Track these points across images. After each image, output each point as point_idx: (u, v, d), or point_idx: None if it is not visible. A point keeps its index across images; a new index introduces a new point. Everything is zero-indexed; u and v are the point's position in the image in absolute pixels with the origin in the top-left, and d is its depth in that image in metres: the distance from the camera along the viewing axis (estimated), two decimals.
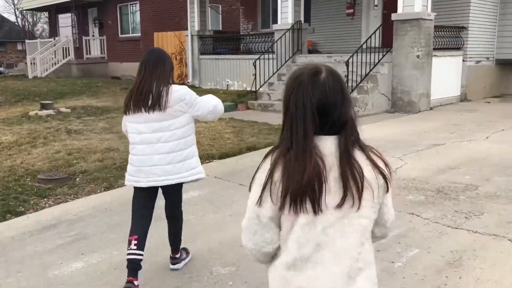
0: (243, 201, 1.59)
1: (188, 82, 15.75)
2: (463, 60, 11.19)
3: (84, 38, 21.42)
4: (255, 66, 11.17)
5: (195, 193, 4.70)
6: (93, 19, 22.54)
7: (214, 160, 6.21)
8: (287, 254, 1.44)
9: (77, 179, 5.44)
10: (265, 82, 11.62)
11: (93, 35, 22.46)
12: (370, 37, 10.06)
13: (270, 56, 11.89)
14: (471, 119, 8.56)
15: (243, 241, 1.53)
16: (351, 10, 13.28)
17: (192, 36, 15.19)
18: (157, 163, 2.91)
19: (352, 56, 9.48)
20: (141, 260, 2.90)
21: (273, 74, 11.75)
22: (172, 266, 3.22)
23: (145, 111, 2.86)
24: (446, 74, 10.70)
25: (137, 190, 3.04)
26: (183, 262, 3.26)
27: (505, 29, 11.90)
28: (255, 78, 11.18)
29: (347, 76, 9.34)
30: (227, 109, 11.09)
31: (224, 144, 7.02)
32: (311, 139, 1.38)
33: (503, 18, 11.85)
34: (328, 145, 1.40)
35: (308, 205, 1.36)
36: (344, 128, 1.40)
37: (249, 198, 1.49)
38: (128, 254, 2.90)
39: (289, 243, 1.43)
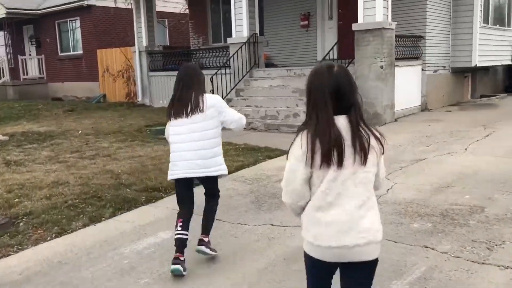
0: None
1: (138, 101, 14.86)
2: (422, 70, 11.11)
3: (20, 57, 19.96)
4: (212, 82, 10.53)
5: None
6: (29, 37, 21.10)
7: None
8: (315, 201, 1.97)
9: (21, 223, 4.56)
10: (223, 99, 10.97)
11: (30, 54, 21.00)
12: (332, 48, 9.73)
13: (226, 71, 11.31)
14: (441, 130, 8.34)
15: (283, 199, 2.05)
16: (306, 22, 12.98)
17: (140, 52, 14.35)
18: (190, 158, 3.45)
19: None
20: (186, 239, 3.42)
21: (231, 89, 11.16)
22: (198, 247, 3.51)
23: (185, 117, 3.44)
24: (407, 84, 10.54)
25: (176, 181, 3.58)
26: (209, 250, 3.52)
27: (457, 37, 11.99)
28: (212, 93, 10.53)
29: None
30: None
31: None
32: (331, 116, 1.89)
33: (455, 27, 11.94)
34: (341, 122, 1.92)
35: (335, 159, 1.88)
36: (351, 109, 1.92)
37: (287, 165, 1.98)
38: (176, 234, 3.42)
39: (318, 193, 1.95)
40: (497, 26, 13.05)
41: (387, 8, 9.46)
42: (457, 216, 4.04)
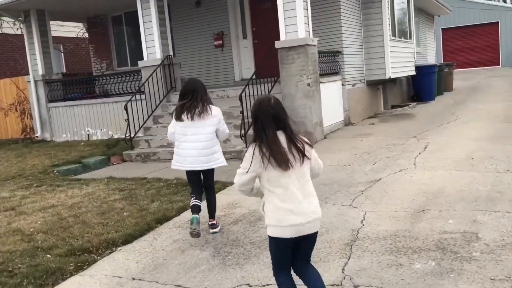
0: None
1: (37, 137, 13.14)
2: (343, 84, 11.05)
3: None
4: (126, 110, 9.46)
5: None
6: None
7: (119, 248, 4.48)
8: (274, 195, 2.67)
9: None
10: (140, 127, 9.96)
11: None
12: (263, 67, 9.20)
13: (141, 96, 10.31)
14: (375, 145, 8.16)
15: (235, 182, 2.82)
16: (220, 42, 12.40)
17: (36, 81, 12.74)
18: (195, 155, 4.47)
19: (244, 90, 8.46)
20: (199, 205, 4.49)
21: (148, 117, 10.15)
22: (212, 230, 4.62)
23: (192, 120, 4.43)
24: (331, 100, 10.37)
25: (187, 171, 4.62)
26: (219, 227, 4.68)
27: (370, 51, 12.18)
28: (128, 124, 9.46)
29: (242, 112, 8.28)
30: (98, 165, 9.19)
31: (121, 219, 5.28)
32: (275, 133, 2.66)
33: (367, 41, 12.13)
34: (281, 136, 2.67)
35: (281, 162, 2.63)
36: (286, 128, 2.69)
37: (241, 166, 2.76)
38: (191, 203, 4.51)
39: (266, 186, 2.71)
40: (402, 39, 13.55)
41: (308, 24, 9.21)
42: (455, 247, 3.60)
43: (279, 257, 2.74)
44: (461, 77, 21.23)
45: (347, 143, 8.76)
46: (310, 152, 2.73)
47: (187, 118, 4.42)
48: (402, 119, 11.42)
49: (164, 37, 10.75)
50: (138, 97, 10.66)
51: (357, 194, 5.27)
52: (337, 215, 4.65)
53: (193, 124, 4.43)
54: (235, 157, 8.23)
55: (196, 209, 4.40)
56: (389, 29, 12.06)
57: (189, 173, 4.61)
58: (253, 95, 8.64)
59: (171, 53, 10.90)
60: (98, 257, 4.28)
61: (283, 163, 2.60)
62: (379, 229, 4.14)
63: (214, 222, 4.65)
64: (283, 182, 2.63)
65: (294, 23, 8.95)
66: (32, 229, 5.17)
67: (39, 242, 4.72)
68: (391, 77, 12.46)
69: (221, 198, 5.71)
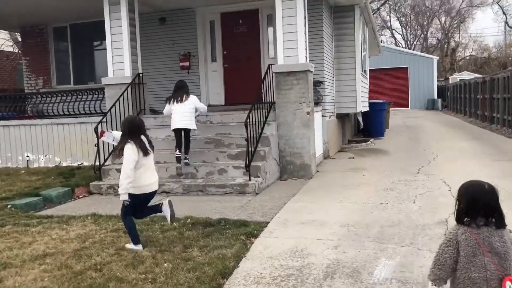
0: None
1: None
2: (322, 115, 10.58)
3: None
4: (96, 132, 7.92)
5: None
6: None
7: None
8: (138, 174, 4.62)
9: None
10: (109, 154, 8.45)
11: None
12: (264, 93, 8.34)
13: (106, 118, 8.83)
14: (387, 180, 7.69)
15: (122, 177, 4.59)
16: (186, 63, 11.34)
17: None
18: (182, 120, 7.59)
19: (249, 115, 7.50)
20: (181, 156, 7.68)
21: (119, 142, 8.66)
22: (184, 161, 7.73)
23: (180, 103, 7.64)
24: (316, 131, 9.80)
25: (174, 130, 7.70)
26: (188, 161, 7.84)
27: (341, 83, 11.95)
28: (98, 149, 7.96)
29: (247, 140, 7.31)
30: (61, 198, 7.54)
31: (167, 272, 4.00)
32: (139, 138, 4.69)
33: (339, 73, 11.89)
34: (144, 138, 4.79)
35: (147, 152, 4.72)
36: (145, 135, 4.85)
37: (127, 161, 4.55)
38: (176, 155, 7.70)
39: (140, 169, 4.62)
40: (364, 74, 13.61)
41: (307, 49, 8.63)
42: None
43: (132, 211, 4.82)
44: None
45: (348, 178, 8.17)
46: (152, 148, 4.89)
47: (178, 101, 7.67)
48: (377, 153, 11.20)
49: (134, 52, 9.47)
50: (95, 118, 9.24)
51: (432, 239, 4.59)
52: None
53: (181, 104, 7.65)
54: (237, 191, 7.21)
55: (178, 160, 7.69)
56: (360, 65, 11.97)
57: (175, 131, 7.72)
58: (254, 122, 7.75)
59: (140, 70, 9.61)
60: None
61: (148, 151, 4.76)
62: None
63: (187, 156, 7.80)
64: (146, 163, 4.73)
65: (295, 47, 8.31)
66: None
67: None
68: (361, 111, 12.31)
69: (269, 243, 4.70)
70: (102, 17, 11.57)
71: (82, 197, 7.70)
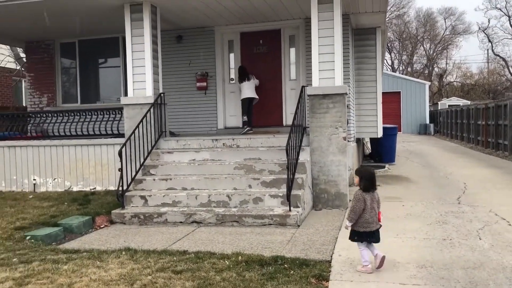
0: None
1: None
2: (348, 140, 10.12)
3: None
4: (120, 156, 7.33)
5: None
6: None
7: None
8: None
9: None
10: (132, 180, 7.81)
11: None
12: (297, 115, 7.86)
13: (114, 140, 8.23)
14: (434, 212, 7.24)
15: None
16: (204, 83, 10.84)
17: None
18: (248, 93, 10.22)
19: (288, 141, 7.00)
20: (246, 120, 10.12)
21: (141, 166, 8.06)
22: (247, 129, 9.90)
23: (247, 81, 10.12)
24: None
25: (243, 100, 10.15)
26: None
27: (361, 107, 11.61)
28: (122, 174, 7.33)
29: (288, 168, 6.79)
30: (82, 228, 6.86)
31: None
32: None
33: (358, 97, 11.56)
34: None
35: None
36: None
37: None
38: (243, 119, 10.19)
39: None
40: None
41: (342, 71, 8.23)
42: None
43: None
44: None
45: (387, 208, 7.62)
46: None
47: (244, 81, 9.97)
48: (401, 181, 10.78)
49: (156, 71, 8.94)
50: (110, 140, 8.68)
51: None
52: None
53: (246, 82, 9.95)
54: (276, 222, 6.63)
55: (246, 123, 9.87)
56: (381, 86, 11.66)
57: (245, 100, 9.94)
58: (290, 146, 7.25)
59: (161, 90, 9.07)
60: None
61: None
62: None
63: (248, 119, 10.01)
64: None
65: (331, 68, 7.92)
66: None
67: None
68: (381, 136, 11.95)
69: None
70: (115, 33, 11.08)
71: (103, 227, 7.03)
